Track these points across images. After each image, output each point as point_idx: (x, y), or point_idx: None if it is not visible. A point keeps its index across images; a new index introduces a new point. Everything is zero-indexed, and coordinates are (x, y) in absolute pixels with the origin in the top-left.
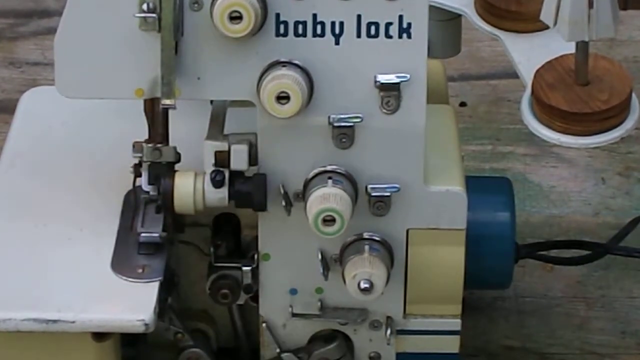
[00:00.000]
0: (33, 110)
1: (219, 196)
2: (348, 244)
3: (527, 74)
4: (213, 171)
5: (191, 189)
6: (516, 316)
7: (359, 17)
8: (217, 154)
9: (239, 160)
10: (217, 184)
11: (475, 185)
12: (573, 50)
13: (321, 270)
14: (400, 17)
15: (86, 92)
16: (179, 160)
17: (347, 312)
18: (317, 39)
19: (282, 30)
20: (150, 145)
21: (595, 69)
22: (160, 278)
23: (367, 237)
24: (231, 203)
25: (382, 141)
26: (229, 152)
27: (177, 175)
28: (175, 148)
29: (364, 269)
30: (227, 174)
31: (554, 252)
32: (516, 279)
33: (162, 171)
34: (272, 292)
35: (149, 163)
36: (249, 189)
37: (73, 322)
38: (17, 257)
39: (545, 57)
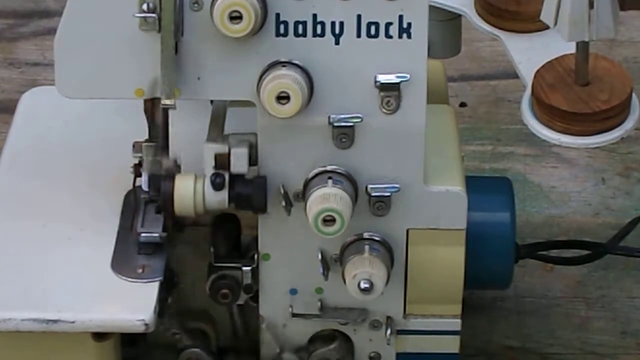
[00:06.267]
0: (33, 110)
1: (219, 199)
2: (348, 244)
3: (527, 74)
4: (213, 174)
5: (191, 191)
6: (516, 316)
7: (359, 17)
8: (218, 156)
9: (239, 163)
10: (217, 186)
11: (475, 185)
12: (573, 50)
13: (321, 270)
14: (400, 17)
15: (86, 92)
16: (179, 171)
17: (347, 312)
18: (317, 39)
19: (282, 30)
20: (150, 155)
21: (595, 69)
22: (160, 278)
23: (367, 237)
24: (231, 204)
25: (382, 141)
26: (229, 154)
27: (177, 178)
28: (175, 161)
29: (364, 269)
30: (227, 177)
31: (554, 252)
32: (516, 279)
33: (163, 180)
34: (272, 292)
35: (149, 175)
36: (249, 192)
37: (73, 322)
38: (17, 257)
39: (545, 57)
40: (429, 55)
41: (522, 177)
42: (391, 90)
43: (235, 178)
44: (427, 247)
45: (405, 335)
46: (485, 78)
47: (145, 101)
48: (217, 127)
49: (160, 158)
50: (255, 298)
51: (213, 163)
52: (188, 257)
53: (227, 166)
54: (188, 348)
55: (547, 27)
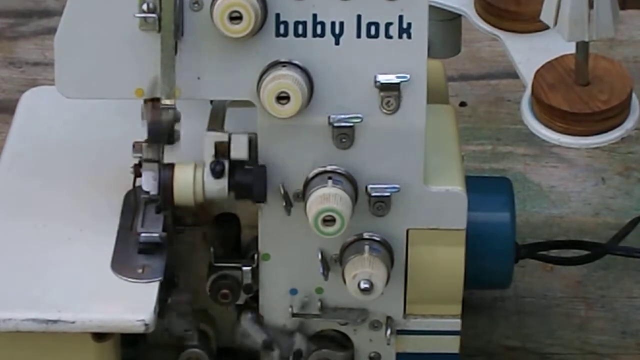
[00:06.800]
0: (33, 110)
1: (218, 187)
2: (348, 244)
3: (527, 74)
4: (213, 161)
5: (191, 179)
6: (516, 316)
7: (359, 17)
8: (218, 145)
9: (239, 148)
10: (217, 174)
11: (475, 185)
12: (573, 50)
13: (321, 270)
14: (400, 17)
15: (86, 92)
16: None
17: (347, 312)
18: (317, 39)
19: (282, 30)
20: (150, 152)
21: (595, 69)
22: (160, 278)
23: (367, 237)
24: (231, 202)
25: (382, 141)
26: (229, 142)
27: (176, 166)
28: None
29: (364, 269)
30: (227, 165)
31: (554, 252)
32: (516, 279)
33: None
34: (272, 292)
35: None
36: (249, 180)
37: (73, 322)
38: (17, 257)
39: (545, 57)
40: (429, 55)
41: (522, 177)
42: (391, 90)
43: (235, 166)
44: (427, 247)
45: (405, 335)
46: (485, 78)
47: (145, 101)
48: (217, 118)
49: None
50: (255, 298)
51: (213, 151)
52: (188, 257)
53: (227, 155)
54: (188, 348)
55: (547, 27)
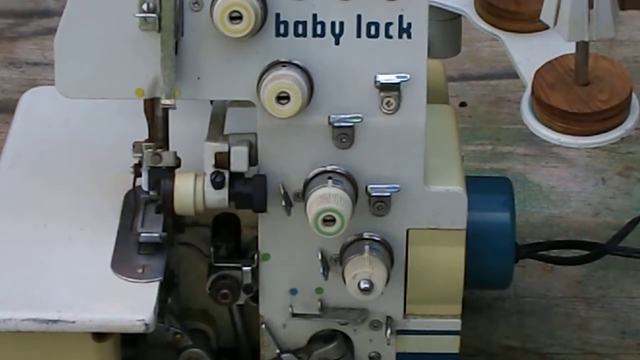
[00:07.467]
0: (33, 110)
1: (219, 197)
2: (348, 244)
3: (527, 74)
4: (213, 172)
5: (191, 190)
6: (516, 316)
7: (359, 17)
8: (217, 155)
9: (239, 161)
10: (217, 185)
11: (475, 185)
12: (573, 50)
13: (321, 270)
14: (400, 17)
15: (86, 92)
16: (179, 165)
17: (347, 312)
18: (317, 39)
19: (282, 30)
20: (150, 149)
21: (595, 69)
22: (160, 278)
23: (367, 237)
24: (231, 203)
25: (382, 141)
26: (229, 153)
27: (177, 176)
28: (175, 153)
29: (364, 269)
30: (227, 175)
31: (554, 252)
32: (516, 279)
33: (162, 174)
34: (272, 292)
35: (149, 168)
36: (249, 190)
37: (73, 322)
38: (17, 257)
39: (545, 57)
40: (429, 55)
41: (522, 177)
42: (391, 90)
43: (235, 177)
44: (427, 247)
45: (405, 335)
46: (485, 78)
47: (145, 101)
48: (217, 127)
49: (160, 153)
50: (255, 298)
51: (213, 162)
52: (188, 257)
53: (227, 165)
54: (188, 348)
55: (547, 27)
